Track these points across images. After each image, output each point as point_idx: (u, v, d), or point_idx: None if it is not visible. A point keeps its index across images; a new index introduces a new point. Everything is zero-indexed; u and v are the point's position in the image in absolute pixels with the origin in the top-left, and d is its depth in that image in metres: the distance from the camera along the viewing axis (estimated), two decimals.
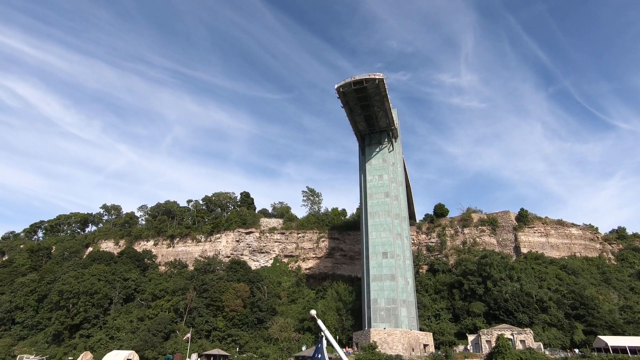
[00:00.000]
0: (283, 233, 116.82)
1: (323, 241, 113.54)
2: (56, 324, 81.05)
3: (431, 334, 68.54)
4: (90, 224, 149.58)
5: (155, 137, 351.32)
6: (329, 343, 3.69)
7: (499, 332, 58.47)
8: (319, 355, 4.02)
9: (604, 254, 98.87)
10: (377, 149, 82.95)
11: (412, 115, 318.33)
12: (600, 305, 64.97)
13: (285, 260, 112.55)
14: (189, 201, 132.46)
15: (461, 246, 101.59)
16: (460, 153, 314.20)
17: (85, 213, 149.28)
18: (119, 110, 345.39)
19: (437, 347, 66.40)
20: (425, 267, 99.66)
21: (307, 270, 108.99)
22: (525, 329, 59.60)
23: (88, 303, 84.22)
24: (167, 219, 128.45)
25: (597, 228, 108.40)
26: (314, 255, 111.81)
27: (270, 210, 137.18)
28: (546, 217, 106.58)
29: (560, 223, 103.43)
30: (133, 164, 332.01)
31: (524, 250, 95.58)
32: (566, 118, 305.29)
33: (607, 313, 62.05)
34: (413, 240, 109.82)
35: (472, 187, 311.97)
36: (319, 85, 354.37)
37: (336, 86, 72.93)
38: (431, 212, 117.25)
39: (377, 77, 70.27)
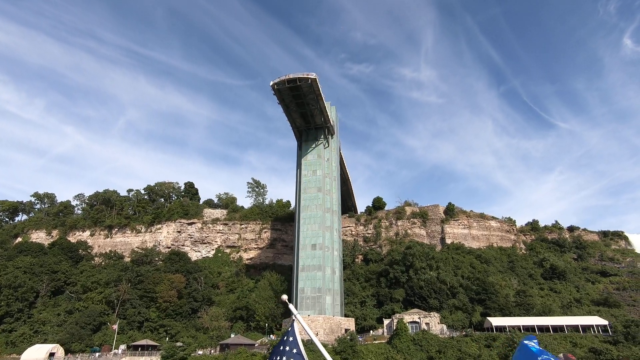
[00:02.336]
0: (226, 224, 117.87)
1: (265, 232, 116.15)
2: None
3: (354, 319, 74.11)
4: (20, 213, 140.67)
5: (106, 119, 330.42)
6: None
7: (409, 316, 64.91)
8: (291, 338, 4.19)
9: (517, 244, 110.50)
10: (313, 145, 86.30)
11: (374, 107, 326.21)
12: (500, 291, 73.72)
13: (228, 250, 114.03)
14: (129, 190, 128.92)
15: (394, 237, 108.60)
16: (418, 146, 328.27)
17: (15, 201, 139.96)
18: (65, 89, 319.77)
19: (358, 332, 72.11)
20: (361, 257, 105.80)
21: (249, 261, 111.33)
22: (432, 312, 66.57)
23: (11, 297, 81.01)
24: (106, 209, 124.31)
25: (514, 221, 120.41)
26: (255, 246, 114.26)
27: (216, 200, 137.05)
28: (471, 210, 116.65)
29: (482, 216, 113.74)
30: (81, 147, 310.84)
31: (448, 241, 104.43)
32: (514, 116, 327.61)
33: (502, 297, 70.68)
34: (352, 231, 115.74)
35: (429, 179, 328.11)
36: (282, 73, 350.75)
37: (271, 83, 74.83)
38: (371, 205, 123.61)
39: (310, 77, 73.04)
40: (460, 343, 49.54)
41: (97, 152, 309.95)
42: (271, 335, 65.54)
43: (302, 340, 4.53)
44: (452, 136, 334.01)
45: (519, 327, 56.03)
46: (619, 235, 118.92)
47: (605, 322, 54.69)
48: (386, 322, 69.45)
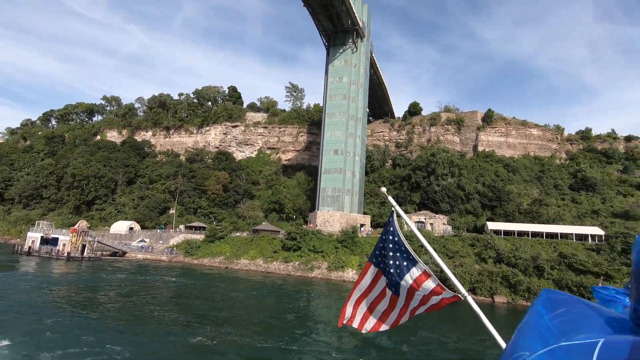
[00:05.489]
0: (266, 127, 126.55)
1: (302, 135, 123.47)
2: (73, 200, 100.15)
3: (370, 216, 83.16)
4: (96, 114, 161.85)
5: (165, 16, 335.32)
6: (399, 217, 3.88)
7: (416, 217, 71.77)
8: (391, 228, 3.87)
9: (557, 153, 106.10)
10: (341, 50, 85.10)
11: None
12: (514, 199, 76.12)
13: (268, 152, 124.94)
14: (180, 94, 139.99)
15: (426, 143, 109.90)
16: (494, 37, 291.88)
17: (90, 103, 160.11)
18: None
19: (374, 227, 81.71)
20: (390, 161, 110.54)
21: (287, 161, 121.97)
22: (440, 215, 72.54)
23: (97, 184, 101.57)
24: (162, 111, 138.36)
25: (562, 129, 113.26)
26: (293, 148, 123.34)
27: (258, 104, 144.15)
28: (513, 117, 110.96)
29: (523, 124, 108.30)
30: (146, 46, 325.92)
31: (481, 149, 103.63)
32: None
33: (514, 205, 73.49)
34: (384, 136, 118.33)
35: (502, 77, 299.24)
36: None
37: None
38: (407, 110, 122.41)
39: None
40: (448, 241, 56.01)
41: (161, 51, 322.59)
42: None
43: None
44: (539, 24, 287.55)
45: (512, 232, 60.46)
46: None
47: (602, 233, 56.73)
48: None
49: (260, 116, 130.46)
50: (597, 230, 58.08)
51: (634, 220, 69.65)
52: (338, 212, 77.38)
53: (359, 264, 55.63)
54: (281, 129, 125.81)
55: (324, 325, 28.24)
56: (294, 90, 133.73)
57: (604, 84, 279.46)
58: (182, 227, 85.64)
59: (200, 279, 48.34)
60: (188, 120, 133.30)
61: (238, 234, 75.17)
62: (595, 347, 1.00)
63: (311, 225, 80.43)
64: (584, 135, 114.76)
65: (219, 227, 71.59)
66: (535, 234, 60.18)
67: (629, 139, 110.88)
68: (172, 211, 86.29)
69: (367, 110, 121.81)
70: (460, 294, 3.46)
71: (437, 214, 74.18)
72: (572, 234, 58.32)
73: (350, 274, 54.53)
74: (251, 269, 61.01)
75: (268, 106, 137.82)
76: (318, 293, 43.99)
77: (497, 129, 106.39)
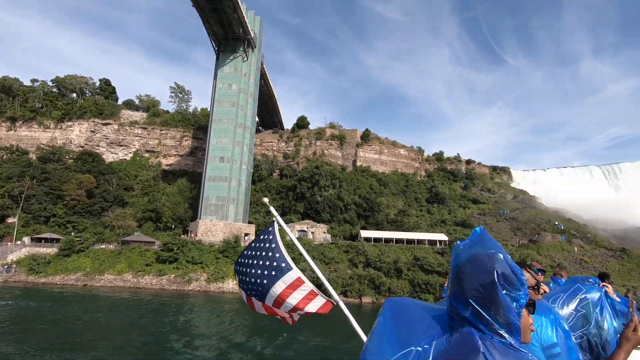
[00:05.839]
0: (145, 128, 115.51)
1: (187, 140, 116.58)
2: None
3: (255, 225, 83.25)
4: None
5: None
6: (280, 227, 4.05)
7: (299, 225, 74.86)
8: (268, 237, 4.04)
9: (419, 171, 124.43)
10: (231, 57, 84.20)
11: (337, 15, 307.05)
12: (384, 210, 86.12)
13: (146, 155, 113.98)
14: (33, 80, 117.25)
15: (312, 156, 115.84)
16: (375, 65, 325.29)
17: None
18: None
19: (257, 235, 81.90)
20: (278, 171, 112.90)
21: (168, 166, 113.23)
22: (321, 224, 77.17)
23: None
24: (6, 98, 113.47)
25: (423, 151, 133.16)
26: (175, 153, 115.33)
27: (136, 102, 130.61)
28: (386, 137, 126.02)
29: (393, 144, 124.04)
30: None
31: (359, 164, 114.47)
32: (470, 45, 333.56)
33: (383, 215, 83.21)
34: (273, 147, 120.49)
35: (380, 101, 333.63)
36: None
37: None
38: (295, 123, 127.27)
39: None
40: (325, 248, 60.14)
41: (9, 22, 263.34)
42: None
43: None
44: (409, 58, 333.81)
45: (380, 239, 68.40)
46: (504, 170, 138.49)
47: (447, 238, 68.58)
48: None
49: (138, 115, 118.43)
50: (443, 237, 70.09)
51: (470, 227, 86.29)
52: (222, 221, 75.32)
53: None
54: (163, 131, 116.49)
55: (203, 339, 27.31)
56: (180, 92, 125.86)
57: (456, 116, 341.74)
58: (26, 239, 71.22)
59: (48, 300, 41.03)
60: (44, 112, 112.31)
61: (103, 246, 66.31)
62: (429, 353, 1.18)
63: (193, 235, 76.17)
64: (438, 157, 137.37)
65: (78, 239, 61.85)
66: (398, 241, 69.18)
67: (469, 162, 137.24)
68: (12, 220, 70.95)
69: (257, 119, 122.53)
70: (333, 299, 3.58)
71: (318, 223, 78.74)
72: (425, 239, 69.06)
73: (231, 285, 53.56)
74: (117, 285, 54.40)
75: (149, 105, 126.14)
76: (195, 306, 42.01)
77: (372, 147, 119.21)
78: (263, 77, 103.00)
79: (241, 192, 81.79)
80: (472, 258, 1.35)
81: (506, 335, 1.26)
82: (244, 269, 3.97)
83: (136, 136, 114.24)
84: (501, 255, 1.33)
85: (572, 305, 3.71)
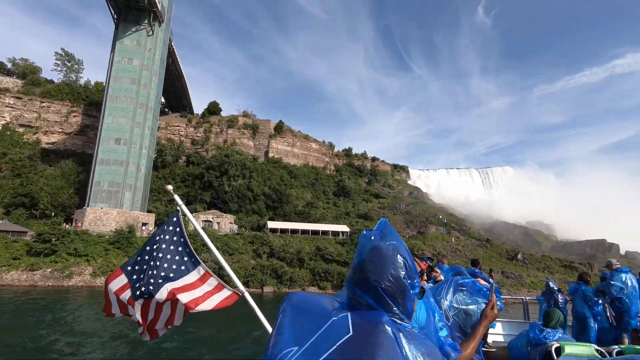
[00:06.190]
0: (20, 98, 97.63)
1: (75, 116, 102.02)
2: None
3: (155, 215, 77.56)
4: None
5: None
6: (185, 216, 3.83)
7: (204, 216, 72.15)
8: (170, 227, 3.86)
9: (329, 165, 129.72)
10: (134, 29, 76.17)
11: (259, 4, 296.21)
12: (292, 201, 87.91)
13: (20, 129, 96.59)
14: None
15: (222, 144, 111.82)
16: (295, 58, 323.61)
17: None
18: None
19: (158, 226, 76.52)
20: (185, 158, 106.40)
21: (50, 145, 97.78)
22: (227, 214, 75.48)
23: None
24: None
25: (334, 146, 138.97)
26: (61, 130, 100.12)
27: (9, 65, 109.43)
28: (299, 130, 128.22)
29: (306, 137, 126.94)
30: None
31: (271, 155, 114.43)
32: (382, 51, 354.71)
33: (291, 206, 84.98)
34: (180, 131, 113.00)
35: (297, 94, 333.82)
36: None
37: None
38: (207, 109, 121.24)
39: None
40: (230, 239, 59.28)
41: None
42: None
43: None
44: (328, 56, 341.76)
45: (287, 230, 69.96)
46: (403, 168, 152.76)
47: (348, 230, 73.26)
48: None
49: (11, 82, 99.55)
50: (345, 228, 74.78)
51: (370, 220, 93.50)
52: (115, 209, 68.45)
53: None
54: (45, 104, 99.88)
55: (88, 337, 24.84)
56: (69, 60, 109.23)
57: (367, 115, 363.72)
58: None
59: None
60: None
61: None
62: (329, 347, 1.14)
63: (79, 224, 67.56)
64: (347, 153, 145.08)
65: None
66: (304, 232, 71.58)
67: (374, 159, 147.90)
68: None
69: (163, 101, 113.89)
70: (238, 290, 3.55)
71: (225, 213, 76.93)
72: (329, 231, 72.80)
73: None
74: None
75: (25, 71, 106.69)
76: (78, 303, 37.74)
77: (285, 139, 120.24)
78: (171, 55, 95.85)
79: (140, 178, 75.23)
80: (380, 248, 1.41)
81: (406, 320, 1.34)
82: (140, 267, 3.67)
83: (7, 106, 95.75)
84: (405, 246, 1.41)
85: (451, 293, 4.67)
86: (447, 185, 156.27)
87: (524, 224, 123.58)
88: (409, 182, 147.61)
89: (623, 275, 7.52)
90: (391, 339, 1.15)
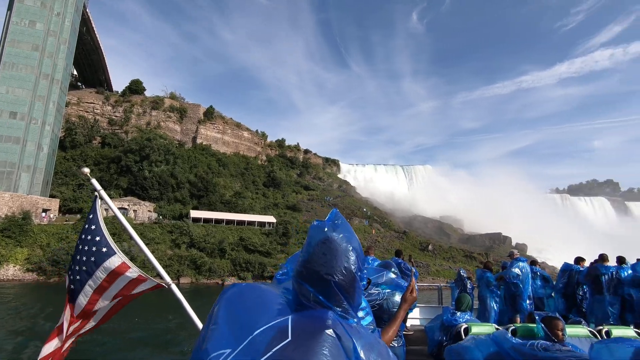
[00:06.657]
0: None
1: None
2: None
3: (59, 200, 69.77)
4: None
5: None
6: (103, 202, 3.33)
7: (119, 203, 66.75)
8: (91, 216, 3.55)
9: (260, 155, 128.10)
10: None
11: None
12: (219, 190, 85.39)
13: None
14: None
15: (145, 126, 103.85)
16: (232, 41, 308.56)
17: None
18: None
19: (66, 213, 69.19)
20: (99, 139, 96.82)
21: None
22: (145, 202, 70.85)
23: None
24: None
25: (266, 136, 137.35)
26: None
27: None
28: (230, 118, 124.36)
29: (238, 125, 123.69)
30: None
31: (199, 141, 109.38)
32: (322, 45, 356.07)
33: (217, 195, 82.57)
34: (96, 109, 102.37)
35: (232, 79, 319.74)
36: None
37: None
38: (128, 86, 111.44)
39: None
40: (147, 228, 55.91)
41: None
42: None
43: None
44: (268, 44, 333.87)
45: (211, 220, 68.00)
46: (334, 162, 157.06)
47: (274, 220, 73.56)
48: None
49: None
50: (272, 219, 74.98)
51: (298, 211, 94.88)
52: (8, 192, 60.11)
53: (28, 258, 45.58)
54: None
55: None
56: None
57: (304, 107, 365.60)
58: None
59: None
60: None
61: None
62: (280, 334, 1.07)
63: None
64: (280, 143, 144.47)
65: None
66: (229, 222, 70.20)
67: (306, 151, 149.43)
68: None
69: (75, 73, 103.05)
70: (165, 282, 3.34)
71: (144, 200, 72.17)
72: (256, 221, 72.35)
73: (12, 271, 43.81)
74: None
75: None
76: None
77: (216, 125, 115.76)
78: (86, 23, 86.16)
79: (41, 159, 66.83)
80: (332, 240, 1.33)
81: (352, 314, 1.28)
82: (75, 266, 3.40)
83: None
84: (356, 237, 1.38)
85: (380, 283, 5.08)
86: (374, 180, 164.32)
87: (439, 218, 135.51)
88: (339, 175, 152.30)
89: (520, 264, 8.88)
90: (333, 343, 1.06)
